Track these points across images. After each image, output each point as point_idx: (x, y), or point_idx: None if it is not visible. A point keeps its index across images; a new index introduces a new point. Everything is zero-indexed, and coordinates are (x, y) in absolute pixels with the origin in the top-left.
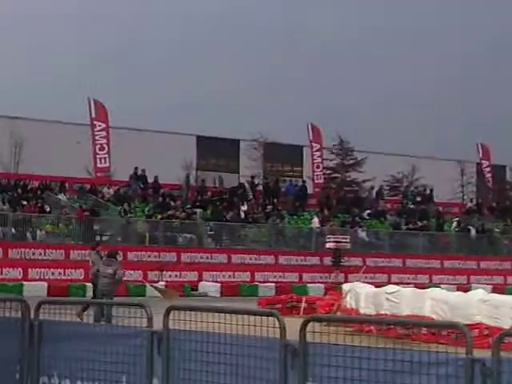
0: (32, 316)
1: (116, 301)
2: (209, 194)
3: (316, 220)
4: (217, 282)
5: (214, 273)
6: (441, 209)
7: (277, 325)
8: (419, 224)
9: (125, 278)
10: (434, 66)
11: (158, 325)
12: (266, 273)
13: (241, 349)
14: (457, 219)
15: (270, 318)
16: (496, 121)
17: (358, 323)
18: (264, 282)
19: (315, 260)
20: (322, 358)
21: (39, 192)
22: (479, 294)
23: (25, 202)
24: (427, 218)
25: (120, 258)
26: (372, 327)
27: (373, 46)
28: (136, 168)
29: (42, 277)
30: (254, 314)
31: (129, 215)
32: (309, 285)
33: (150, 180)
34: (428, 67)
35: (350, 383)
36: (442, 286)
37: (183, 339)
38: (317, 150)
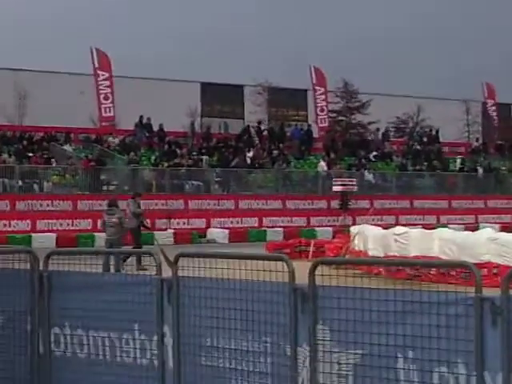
0: (41, 267)
1: (123, 249)
2: (214, 140)
3: (322, 163)
4: (225, 228)
5: (222, 219)
6: (447, 149)
7: (286, 269)
8: (425, 164)
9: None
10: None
11: (167, 272)
12: (274, 218)
13: (250, 294)
14: (460, 158)
15: (278, 262)
16: (501, 59)
17: (366, 265)
18: (272, 227)
19: (322, 204)
20: (332, 300)
21: (45, 143)
22: (487, 232)
23: (31, 154)
24: (433, 158)
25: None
26: (381, 269)
27: None
28: (141, 116)
29: (50, 228)
30: (263, 258)
31: (135, 164)
32: (317, 228)
33: (155, 128)
34: (427, 3)
35: (361, 325)
36: (450, 226)
37: (192, 286)
38: (321, 94)
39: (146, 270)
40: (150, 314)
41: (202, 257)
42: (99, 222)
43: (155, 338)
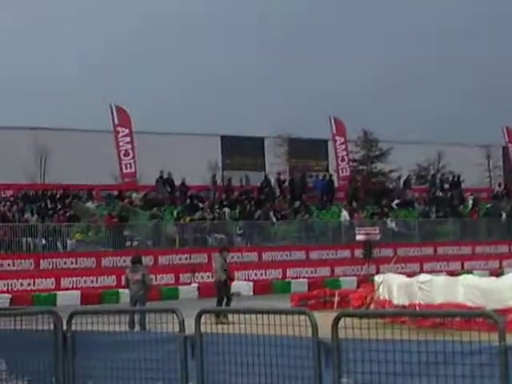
0: (64, 327)
1: (147, 307)
2: (236, 193)
3: (345, 213)
4: (249, 280)
5: (246, 271)
6: (469, 194)
7: (308, 323)
8: (447, 211)
9: (158, 282)
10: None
11: (191, 328)
12: (298, 268)
13: (274, 349)
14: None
15: (301, 315)
16: None
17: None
18: (296, 278)
19: (346, 253)
20: (356, 353)
21: (67, 201)
22: None
23: (53, 212)
24: (455, 204)
25: (145, 262)
26: (406, 318)
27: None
28: (161, 172)
29: (75, 285)
30: (286, 312)
31: (158, 219)
32: (341, 278)
33: (177, 182)
34: (447, 50)
35: (385, 377)
36: (475, 271)
37: (216, 342)
38: (341, 143)
39: (223, 323)
40: (174, 372)
41: (227, 312)
42: (123, 279)
43: None
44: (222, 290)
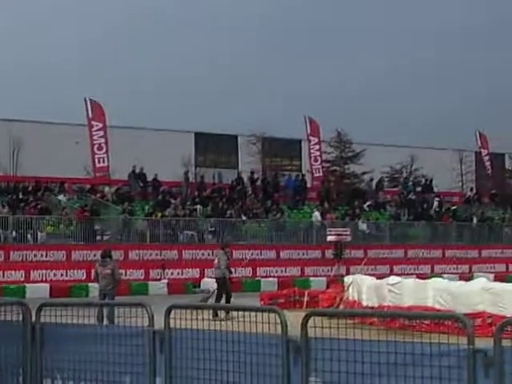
0: (33, 319)
1: (116, 301)
2: (208, 190)
3: (316, 213)
4: None
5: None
6: (440, 198)
7: (278, 321)
8: (419, 214)
9: (127, 277)
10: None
11: (160, 323)
12: (268, 267)
13: (243, 346)
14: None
15: (271, 313)
16: (495, 109)
17: (358, 317)
18: (266, 277)
19: (316, 253)
20: (324, 352)
21: (39, 194)
22: (481, 282)
23: (24, 205)
24: (427, 208)
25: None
26: (375, 319)
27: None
28: (134, 167)
29: (45, 278)
30: (256, 310)
31: (129, 214)
32: (311, 278)
33: (150, 178)
34: (421, 53)
35: (353, 377)
36: (444, 275)
37: (185, 338)
38: (315, 144)
39: (227, 319)
40: (142, 366)
41: (194, 308)
42: (93, 273)
43: None
44: (223, 287)
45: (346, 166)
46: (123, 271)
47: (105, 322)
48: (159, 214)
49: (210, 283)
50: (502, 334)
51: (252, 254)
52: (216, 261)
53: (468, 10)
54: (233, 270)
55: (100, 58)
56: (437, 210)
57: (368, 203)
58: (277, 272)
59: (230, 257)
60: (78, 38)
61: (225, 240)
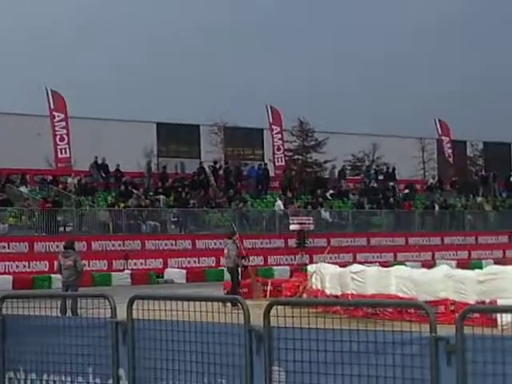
0: None
1: (79, 292)
2: (170, 180)
3: (279, 202)
4: (182, 268)
5: (179, 259)
6: (403, 186)
7: (241, 310)
8: (382, 202)
9: (90, 268)
10: (386, 40)
11: (123, 314)
12: None
13: (205, 336)
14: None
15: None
16: (457, 96)
17: (322, 305)
18: None
19: (280, 242)
20: (287, 341)
21: (0, 185)
22: (444, 269)
23: None
24: (389, 196)
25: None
26: (338, 307)
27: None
28: (96, 157)
29: (7, 270)
30: (218, 300)
31: (91, 205)
32: (274, 267)
33: (112, 169)
34: (379, 41)
35: (316, 366)
36: (407, 263)
37: (147, 328)
38: (277, 133)
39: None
40: (104, 357)
41: (157, 299)
42: (55, 264)
43: (110, 381)
44: (236, 276)
45: (309, 155)
46: (86, 262)
47: (68, 313)
48: (122, 205)
49: (173, 273)
50: (464, 321)
51: (215, 244)
52: (226, 251)
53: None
54: (196, 259)
55: (61, 47)
56: (401, 196)
57: (330, 192)
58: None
59: (239, 247)
60: (40, 27)
61: (231, 229)
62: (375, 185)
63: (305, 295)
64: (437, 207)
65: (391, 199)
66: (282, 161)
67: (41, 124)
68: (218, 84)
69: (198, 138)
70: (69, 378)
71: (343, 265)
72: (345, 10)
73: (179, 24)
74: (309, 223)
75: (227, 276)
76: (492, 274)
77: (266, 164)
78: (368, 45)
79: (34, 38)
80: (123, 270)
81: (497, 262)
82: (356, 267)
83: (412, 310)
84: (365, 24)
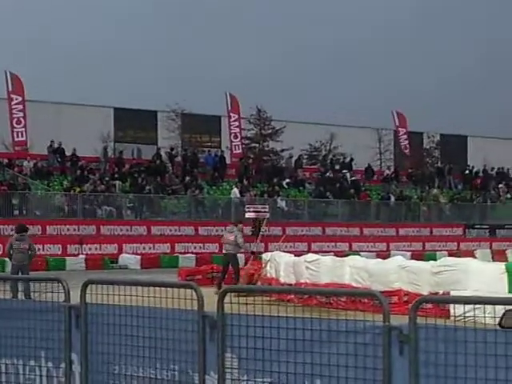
0: None
1: (33, 275)
2: (127, 166)
3: (235, 190)
4: (137, 254)
5: (134, 245)
6: (359, 176)
7: (194, 297)
8: (337, 192)
9: (45, 252)
10: (345, 29)
11: (77, 298)
12: (186, 244)
13: (159, 321)
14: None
15: (188, 289)
16: (414, 88)
17: (276, 293)
18: (184, 253)
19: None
20: (240, 328)
21: None
22: (398, 260)
23: None
24: (345, 186)
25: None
26: (292, 296)
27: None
28: (52, 141)
29: None
30: (172, 286)
31: (47, 189)
32: None
33: (68, 153)
34: (340, 31)
35: (269, 353)
36: (362, 253)
37: (101, 313)
38: (235, 120)
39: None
40: (57, 341)
41: (111, 283)
42: (6, 247)
43: (62, 365)
44: (237, 263)
45: (266, 143)
46: (40, 246)
47: (20, 296)
48: (77, 189)
49: (127, 259)
50: (417, 311)
51: (170, 230)
52: (232, 237)
53: None
54: (151, 245)
55: (22, 29)
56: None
57: (287, 181)
58: (195, 248)
59: None
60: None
61: (238, 217)
62: (331, 174)
63: (259, 283)
64: (392, 198)
65: (351, 190)
66: (239, 148)
67: None
68: (177, 70)
69: (156, 124)
70: (21, 362)
71: (298, 254)
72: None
73: (140, 6)
74: (264, 211)
75: (182, 262)
76: (446, 265)
77: (222, 151)
78: (328, 34)
79: None
80: (78, 254)
81: (451, 254)
82: (311, 256)
83: (366, 300)
84: (326, 11)
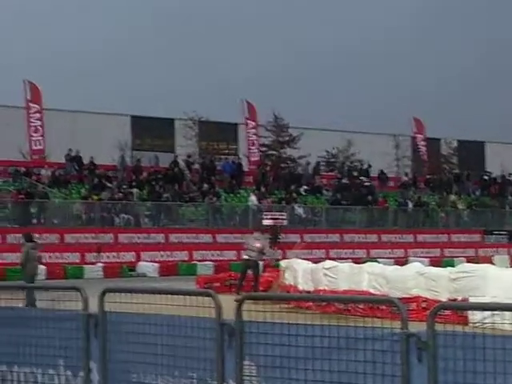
0: None
1: (51, 284)
2: (144, 173)
3: (253, 197)
4: (155, 261)
5: (152, 253)
6: (377, 183)
7: (213, 304)
8: (355, 199)
9: (63, 261)
10: (363, 37)
11: (95, 307)
12: (204, 251)
13: (177, 329)
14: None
15: (206, 297)
16: (432, 95)
17: (294, 300)
18: (202, 261)
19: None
20: (259, 336)
21: None
22: (416, 267)
23: None
24: (363, 192)
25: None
26: (311, 303)
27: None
28: (70, 150)
29: None
30: (190, 294)
31: (65, 197)
32: None
33: (86, 161)
34: (357, 38)
35: (287, 361)
36: (380, 260)
37: (119, 321)
38: (252, 128)
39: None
40: (75, 350)
41: (129, 292)
42: (21, 256)
43: (81, 373)
44: (258, 270)
45: (283, 150)
46: (59, 254)
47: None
48: (95, 198)
49: (145, 267)
50: (435, 318)
51: (188, 238)
52: (259, 244)
53: None
54: (169, 253)
55: (37, 37)
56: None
57: (304, 187)
58: (213, 256)
59: None
60: (13, 17)
61: (259, 225)
62: (349, 181)
63: (278, 290)
64: (410, 204)
65: (368, 197)
66: (256, 156)
67: (13, 115)
68: (194, 78)
69: (173, 132)
70: (40, 370)
71: (316, 261)
72: (321, 4)
73: (156, 14)
74: (282, 219)
75: (200, 270)
76: (464, 272)
77: (240, 159)
78: (345, 41)
79: (11, 28)
80: (96, 262)
81: (469, 260)
82: (329, 263)
83: (384, 307)
84: (341, 18)
